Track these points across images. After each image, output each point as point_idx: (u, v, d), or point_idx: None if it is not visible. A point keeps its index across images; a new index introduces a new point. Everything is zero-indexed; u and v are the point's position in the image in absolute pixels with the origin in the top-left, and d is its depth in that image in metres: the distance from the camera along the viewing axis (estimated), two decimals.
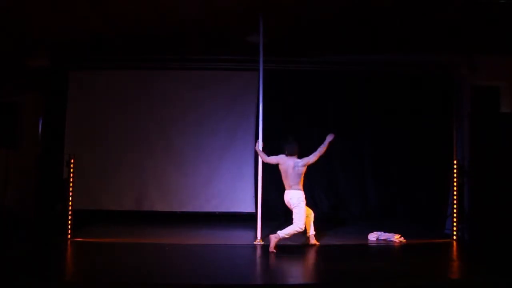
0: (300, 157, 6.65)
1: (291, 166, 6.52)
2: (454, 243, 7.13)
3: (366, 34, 7.71)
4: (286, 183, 6.59)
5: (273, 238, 6.31)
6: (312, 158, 6.57)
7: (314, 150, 9.39)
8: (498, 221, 7.09)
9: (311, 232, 6.79)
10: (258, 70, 7.19)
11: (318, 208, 9.46)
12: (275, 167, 9.30)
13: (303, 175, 6.56)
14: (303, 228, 6.46)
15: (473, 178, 7.44)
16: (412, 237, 7.19)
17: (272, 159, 6.77)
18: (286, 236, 6.32)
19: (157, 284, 4.88)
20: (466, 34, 7.48)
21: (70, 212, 6.96)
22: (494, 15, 6.61)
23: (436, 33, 7.53)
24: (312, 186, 9.49)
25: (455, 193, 7.34)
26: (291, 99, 9.36)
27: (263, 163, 7.09)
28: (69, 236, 6.93)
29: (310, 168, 9.41)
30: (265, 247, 6.71)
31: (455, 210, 7.30)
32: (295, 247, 6.78)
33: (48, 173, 8.46)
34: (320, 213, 9.40)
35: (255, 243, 6.86)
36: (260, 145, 6.95)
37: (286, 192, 6.58)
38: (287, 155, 6.65)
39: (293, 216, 6.42)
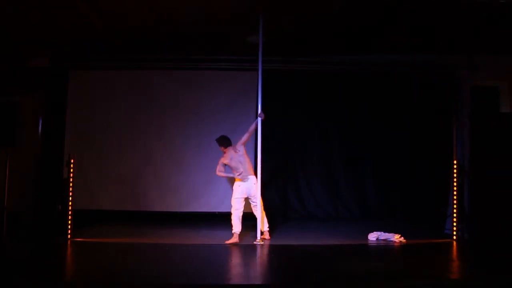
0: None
1: (236, 153, 6.99)
2: (454, 243, 7.13)
3: (366, 34, 7.71)
4: (243, 172, 6.97)
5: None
6: (244, 137, 7.06)
7: (314, 150, 9.53)
8: (498, 221, 7.10)
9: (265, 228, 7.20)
10: (258, 70, 7.19)
11: (319, 207, 9.49)
12: (276, 166, 9.37)
13: (247, 158, 7.02)
14: None
15: (473, 178, 7.45)
16: (412, 237, 7.19)
17: (221, 166, 7.16)
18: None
19: (157, 284, 4.88)
20: (466, 34, 7.48)
21: (70, 212, 6.96)
22: (494, 15, 6.61)
23: (437, 33, 7.53)
24: (312, 186, 9.52)
25: (455, 193, 7.34)
26: (291, 99, 9.37)
27: (262, 163, 7.09)
28: (69, 236, 6.93)
29: (310, 167, 9.53)
30: (265, 247, 6.72)
31: (455, 210, 7.30)
32: (296, 247, 6.79)
33: (48, 173, 8.46)
34: (320, 212, 9.45)
35: (255, 243, 6.86)
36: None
37: (248, 180, 6.94)
38: (225, 148, 7.12)
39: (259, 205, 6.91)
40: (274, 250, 6.53)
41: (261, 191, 7.09)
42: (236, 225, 6.94)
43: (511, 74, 8.47)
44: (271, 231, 7.79)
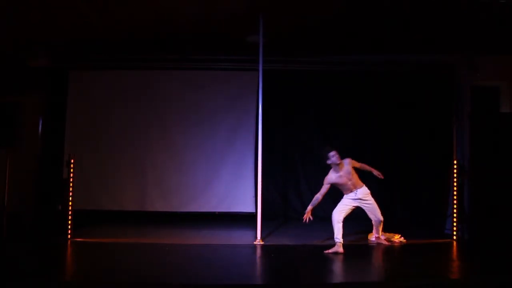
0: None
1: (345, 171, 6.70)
2: (454, 243, 7.14)
3: (366, 34, 7.71)
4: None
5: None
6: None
7: (313, 150, 9.51)
8: (498, 221, 7.10)
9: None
10: (258, 70, 7.19)
11: (319, 207, 9.47)
12: (276, 166, 9.38)
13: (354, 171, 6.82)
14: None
15: (473, 178, 7.45)
16: (412, 237, 7.19)
17: (326, 187, 6.84)
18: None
19: (157, 284, 4.89)
20: (466, 34, 7.48)
21: (70, 212, 6.95)
22: (494, 15, 6.62)
23: (437, 33, 7.53)
24: (312, 186, 9.50)
25: (455, 193, 7.34)
26: (291, 99, 9.36)
27: (262, 163, 7.08)
28: (69, 236, 6.93)
29: (310, 167, 9.51)
30: (265, 247, 6.72)
31: (455, 210, 7.30)
32: (296, 247, 6.79)
33: (48, 173, 8.46)
34: (320, 212, 9.44)
35: (255, 243, 6.86)
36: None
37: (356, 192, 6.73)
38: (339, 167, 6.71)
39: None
40: (274, 250, 6.52)
41: (261, 191, 7.08)
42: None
43: (511, 74, 8.47)
44: (271, 231, 7.81)
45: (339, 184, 6.72)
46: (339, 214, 6.62)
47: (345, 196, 6.79)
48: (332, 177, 6.72)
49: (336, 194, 9.37)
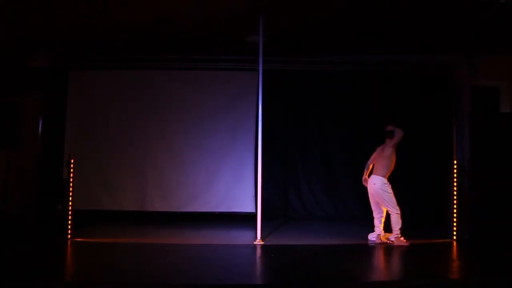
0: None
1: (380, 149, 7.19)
2: (454, 243, 7.14)
3: (366, 34, 7.71)
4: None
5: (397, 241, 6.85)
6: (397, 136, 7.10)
7: (313, 150, 9.52)
8: (498, 221, 7.10)
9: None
10: (258, 70, 7.19)
11: (319, 207, 9.48)
12: (276, 166, 9.37)
13: (389, 159, 7.13)
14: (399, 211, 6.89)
15: (473, 178, 7.45)
16: (412, 237, 7.19)
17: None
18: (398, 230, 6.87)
19: (157, 284, 4.89)
20: (466, 34, 7.48)
21: (70, 212, 6.96)
22: (494, 15, 6.62)
23: (436, 33, 7.53)
24: (312, 186, 9.51)
25: (455, 193, 7.35)
26: (291, 99, 9.37)
27: (262, 163, 7.08)
28: (69, 236, 6.94)
29: (310, 167, 9.52)
30: (265, 247, 6.72)
31: (455, 210, 7.31)
32: (296, 247, 6.79)
33: (48, 173, 8.46)
34: (320, 212, 9.45)
35: (255, 243, 6.86)
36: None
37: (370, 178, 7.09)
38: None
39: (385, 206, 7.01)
40: (274, 250, 6.52)
41: (261, 191, 7.07)
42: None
43: (511, 74, 8.47)
44: (271, 231, 7.80)
45: (392, 154, 7.17)
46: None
47: (387, 183, 7.12)
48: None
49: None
